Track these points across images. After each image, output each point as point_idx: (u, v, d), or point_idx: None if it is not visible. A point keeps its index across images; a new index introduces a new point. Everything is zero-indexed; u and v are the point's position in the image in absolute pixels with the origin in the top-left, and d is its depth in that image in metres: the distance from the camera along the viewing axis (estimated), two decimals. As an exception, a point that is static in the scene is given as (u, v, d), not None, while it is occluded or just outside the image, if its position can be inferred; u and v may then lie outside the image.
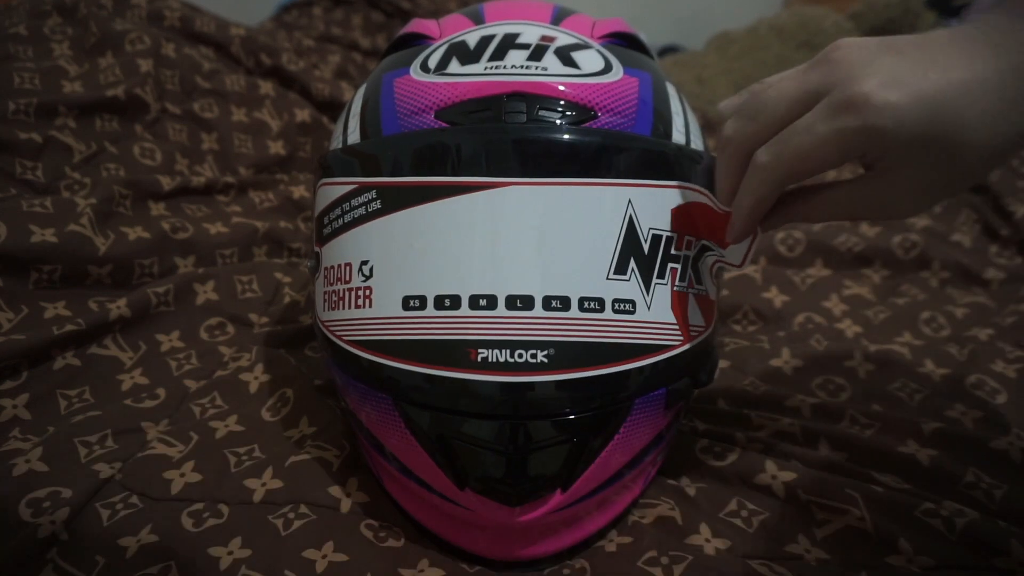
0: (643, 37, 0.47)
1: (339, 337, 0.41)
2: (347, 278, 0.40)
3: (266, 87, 0.89)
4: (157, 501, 0.42)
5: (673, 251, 0.39)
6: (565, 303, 0.36)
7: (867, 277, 0.74)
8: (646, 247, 0.38)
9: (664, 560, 0.40)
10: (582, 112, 0.38)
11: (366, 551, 0.40)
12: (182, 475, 0.44)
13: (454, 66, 0.40)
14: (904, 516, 0.42)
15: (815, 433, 0.49)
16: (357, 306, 0.39)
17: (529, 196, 0.36)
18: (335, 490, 0.44)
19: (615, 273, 0.37)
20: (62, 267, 0.57)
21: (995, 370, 0.56)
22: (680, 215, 0.39)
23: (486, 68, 0.39)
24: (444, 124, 0.38)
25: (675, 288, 0.39)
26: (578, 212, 0.37)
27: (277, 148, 0.85)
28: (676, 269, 0.39)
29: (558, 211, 0.37)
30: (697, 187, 0.39)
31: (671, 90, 0.44)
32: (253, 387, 0.53)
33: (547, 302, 0.36)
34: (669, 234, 0.38)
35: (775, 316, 0.67)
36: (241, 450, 0.47)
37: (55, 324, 0.53)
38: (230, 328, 0.62)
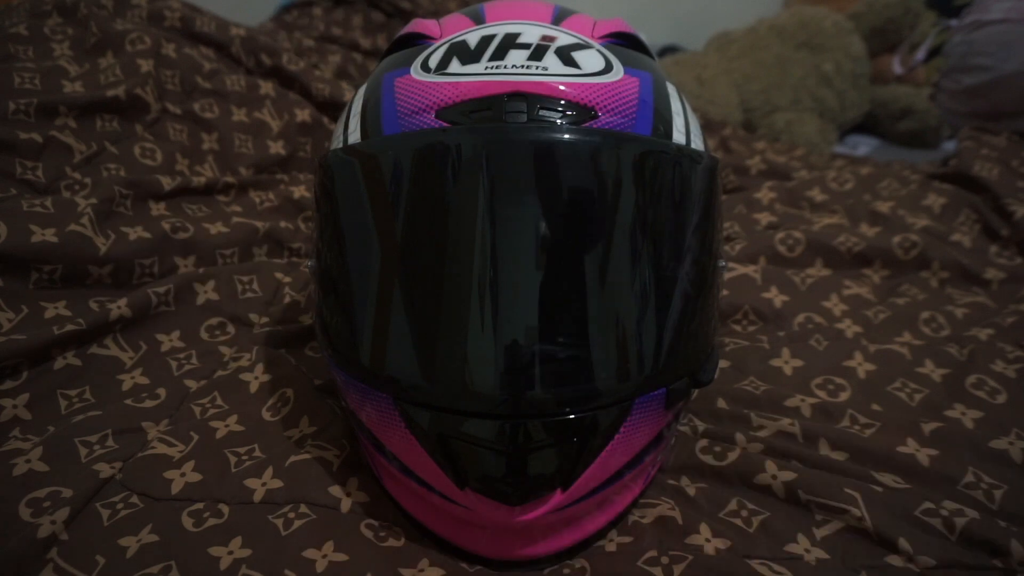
0: (643, 37, 0.47)
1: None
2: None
3: (266, 87, 0.89)
4: (157, 501, 0.43)
5: None
6: None
7: (867, 277, 0.74)
8: None
9: (664, 560, 0.40)
10: (583, 112, 0.38)
11: (366, 551, 0.40)
12: (182, 475, 0.44)
13: (455, 66, 0.40)
14: (904, 516, 0.42)
15: (815, 433, 0.49)
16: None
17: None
18: (335, 490, 0.44)
19: None
20: (62, 267, 0.57)
21: (995, 370, 0.56)
22: None
23: (487, 68, 0.39)
24: (445, 124, 0.38)
25: None
26: None
27: (277, 148, 0.85)
28: None
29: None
30: None
31: (671, 90, 0.44)
32: (253, 387, 0.53)
33: None
34: None
35: (775, 316, 0.66)
36: (241, 450, 0.47)
37: (55, 324, 0.53)
38: (230, 328, 0.62)
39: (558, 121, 0.38)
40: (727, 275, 0.70)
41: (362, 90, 0.45)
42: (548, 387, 0.36)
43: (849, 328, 0.65)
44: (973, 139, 0.98)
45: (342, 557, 0.39)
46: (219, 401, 0.52)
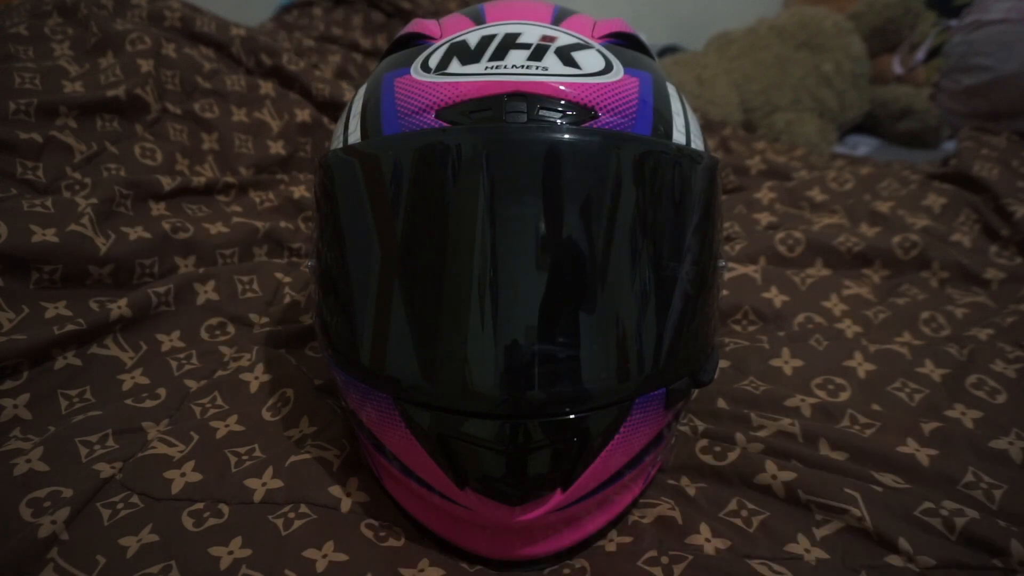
0: (643, 37, 0.47)
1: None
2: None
3: (266, 87, 0.89)
4: (158, 501, 0.43)
5: None
6: None
7: (867, 277, 0.74)
8: None
9: (664, 560, 0.40)
10: (583, 112, 0.38)
11: (366, 551, 0.40)
12: (182, 475, 0.44)
13: (455, 66, 0.40)
14: (904, 516, 0.42)
15: (815, 433, 0.49)
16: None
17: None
18: (335, 490, 0.44)
19: None
20: (63, 267, 0.57)
21: (995, 370, 0.56)
22: None
23: (487, 68, 0.39)
24: (445, 124, 0.38)
25: None
26: None
27: (277, 148, 0.85)
28: None
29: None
30: None
31: (671, 90, 0.44)
32: (253, 387, 0.53)
33: None
34: None
35: (775, 316, 0.66)
36: (241, 450, 0.47)
37: (56, 324, 0.53)
38: (230, 328, 0.62)
39: (558, 121, 0.38)
40: (727, 275, 0.70)
41: (362, 90, 0.45)
42: (548, 387, 0.36)
43: (849, 328, 0.65)
44: (973, 139, 0.98)
45: (342, 557, 0.39)
46: (219, 401, 0.52)
